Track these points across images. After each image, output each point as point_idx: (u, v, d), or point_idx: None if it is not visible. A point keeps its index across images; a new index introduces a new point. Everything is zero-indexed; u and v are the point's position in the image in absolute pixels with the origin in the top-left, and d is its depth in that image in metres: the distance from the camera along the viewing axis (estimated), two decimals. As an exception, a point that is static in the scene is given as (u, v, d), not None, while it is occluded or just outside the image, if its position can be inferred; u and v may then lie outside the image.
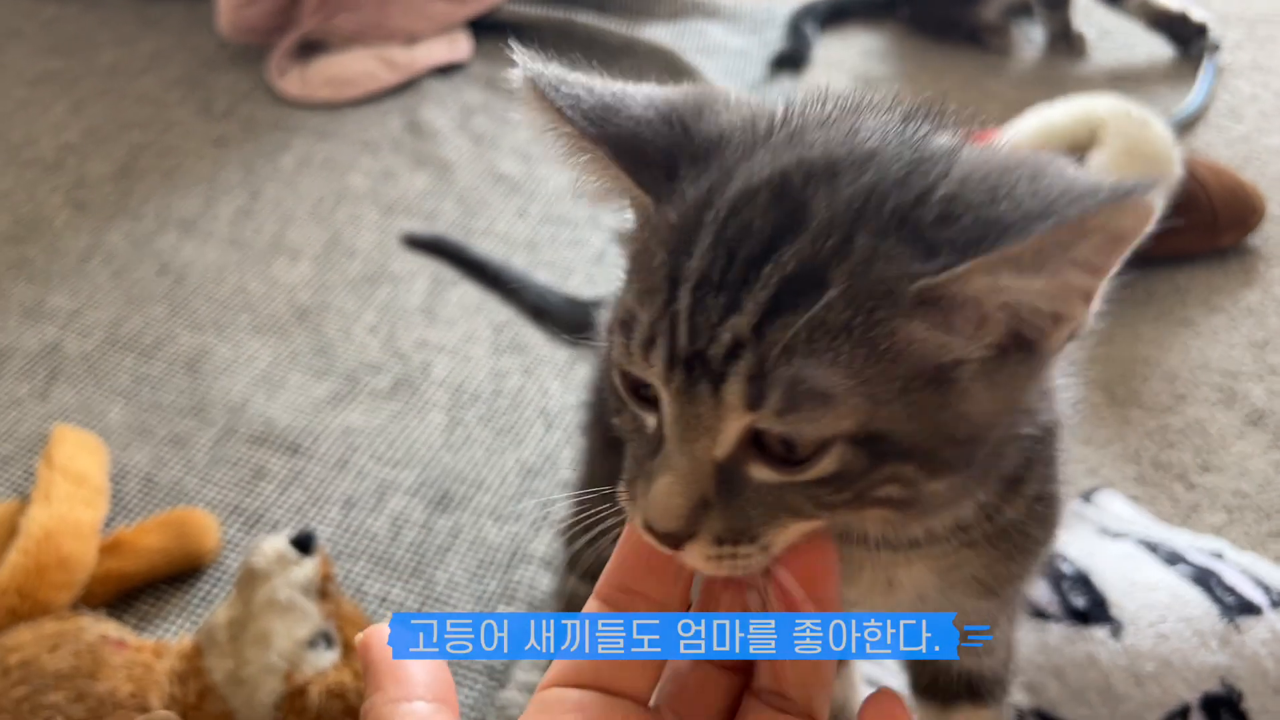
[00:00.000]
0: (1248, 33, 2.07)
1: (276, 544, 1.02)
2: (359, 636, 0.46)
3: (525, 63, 0.50)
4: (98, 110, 1.97)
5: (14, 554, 1.10)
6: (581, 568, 0.95)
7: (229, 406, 1.41)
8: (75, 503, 1.19)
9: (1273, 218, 1.57)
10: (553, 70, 0.50)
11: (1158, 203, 0.40)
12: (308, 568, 1.01)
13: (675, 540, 0.45)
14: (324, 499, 1.29)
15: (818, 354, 0.41)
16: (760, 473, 0.44)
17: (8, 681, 0.95)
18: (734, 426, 0.43)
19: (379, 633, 0.45)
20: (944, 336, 0.42)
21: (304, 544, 1.02)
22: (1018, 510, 0.55)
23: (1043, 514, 0.57)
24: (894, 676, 0.91)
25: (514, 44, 0.50)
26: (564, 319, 1.27)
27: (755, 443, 0.44)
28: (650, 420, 0.47)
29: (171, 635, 1.15)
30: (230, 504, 1.29)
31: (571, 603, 0.98)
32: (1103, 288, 0.43)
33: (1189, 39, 1.97)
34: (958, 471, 0.45)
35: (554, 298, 1.25)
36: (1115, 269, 0.42)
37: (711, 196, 0.45)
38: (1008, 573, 0.59)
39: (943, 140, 0.46)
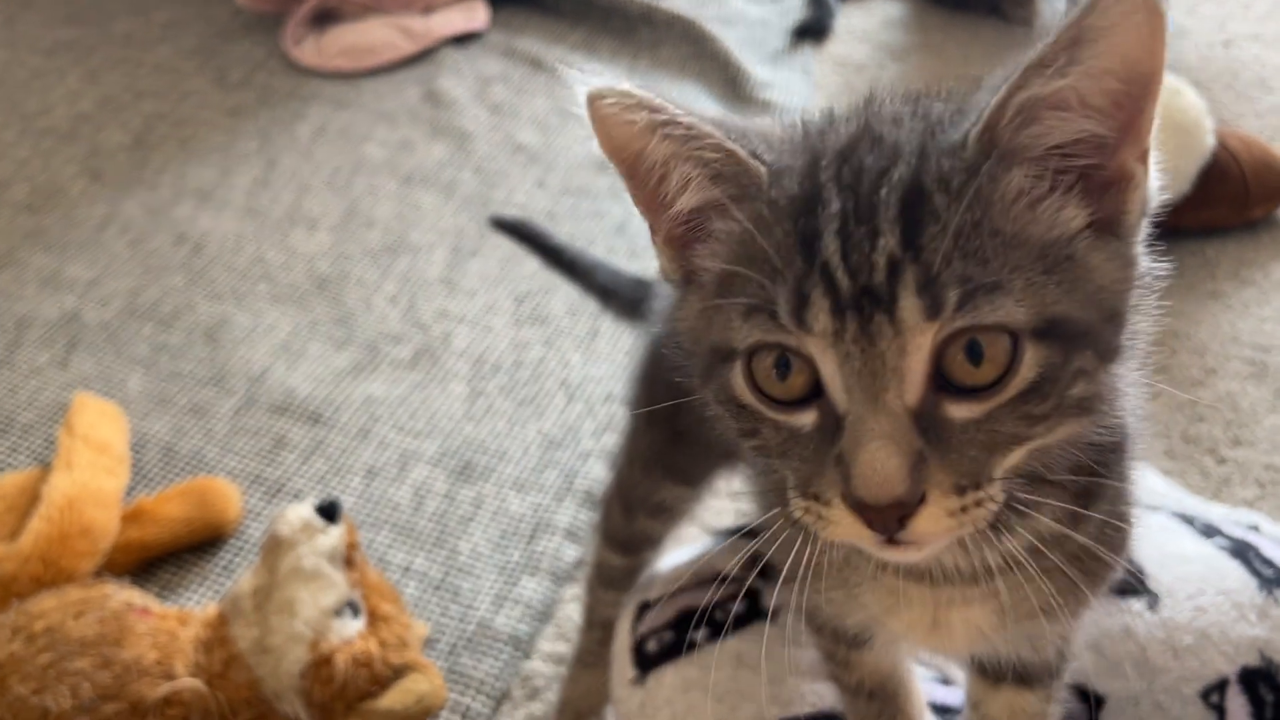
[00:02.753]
0: (1274, 3, 2.04)
1: (302, 512, 1.01)
2: None
3: (609, 87, 0.49)
4: (112, 80, 1.95)
5: (37, 521, 1.10)
6: (613, 538, 0.94)
7: (249, 376, 1.40)
8: (97, 471, 1.18)
9: (1304, 190, 1.54)
10: (635, 89, 0.49)
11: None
12: (333, 536, 1.00)
13: (903, 509, 0.43)
14: (346, 469, 1.28)
15: (965, 247, 0.43)
16: (960, 410, 0.44)
17: (34, 648, 0.95)
18: (919, 352, 0.43)
19: None
20: (1033, 190, 0.45)
21: (329, 512, 1.01)
22: (1089, 531, 0.54)
23: (1112, 537, 0.57)
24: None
25: (578, 70, 0.50)
26: (631, 300, 1.26)
27: (943, 385, 0.44)
28: (805, 419, 0.46)
29: (194, 604, 1.14)
30: (251, 473, 1.28)
31: (601, 573, 0.97)
32: (1152, 134, 0.46)
33: None
34: (1116, 357, 0.47)
35: (623, 279, 1.24)
36: (1151, 93, 0.45)
37: (815, 161, 0.47)
38: (1077, 599, 0.58)
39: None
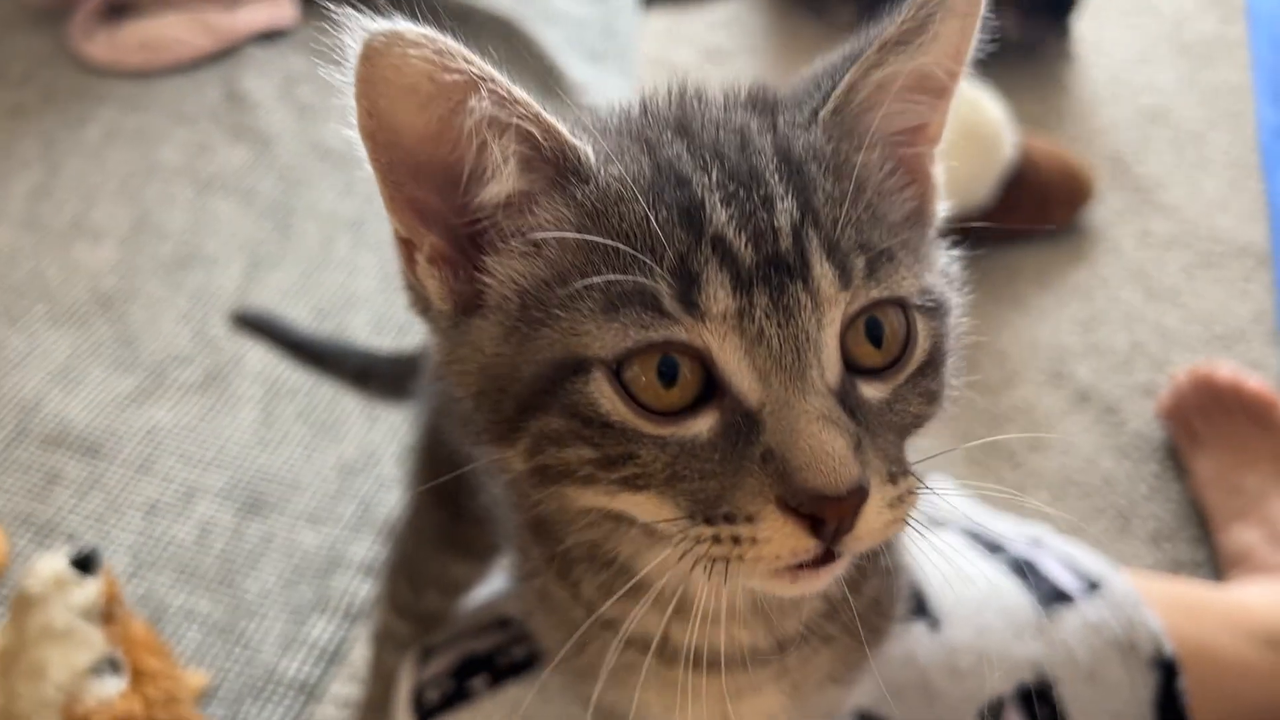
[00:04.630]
0: (1085, 8, 2.10)
1: (54, 564, 0.93)
2: None
3: (427, 35, 0.42)
4: (-124, 75, 1.79)
5: None
6: (402, 610, 0.90)
7: (20, 405, 1.29)
8: None
9: (1099, 196, 1.60)
10: (447, 41, 0.42)
11: None
12: (89, 589, 0.93)
13: (860, 499, 0.38)
14: (125, 505, 1.19)
15: (852, 216, 0.41)
16: (871, 390, 0.42)
17: None
18: (833, 326, 0.40)
19: None
20: (887, 169, 0.45)
21: (85, 563, 0.94)
22: (874, 587, 0.53)
23: (894, 587, 0.57)
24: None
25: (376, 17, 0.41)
26: (391, 376, 1.10)
27: (850, 367, 0.41)
28: (699, 426, 0.40)
29: (-53, 662, 1.05)
30: (20, 513, 1.19)
31: (389, 635, 0.93)
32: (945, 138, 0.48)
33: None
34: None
35: (379, 360, 1.12)
36: (953, 91, 0.47)
37: (653, 140, 0.44)
38: (861, 661, 0.57)
39: None
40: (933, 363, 0.43)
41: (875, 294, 0.41)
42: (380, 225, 1.56)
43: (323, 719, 1.03)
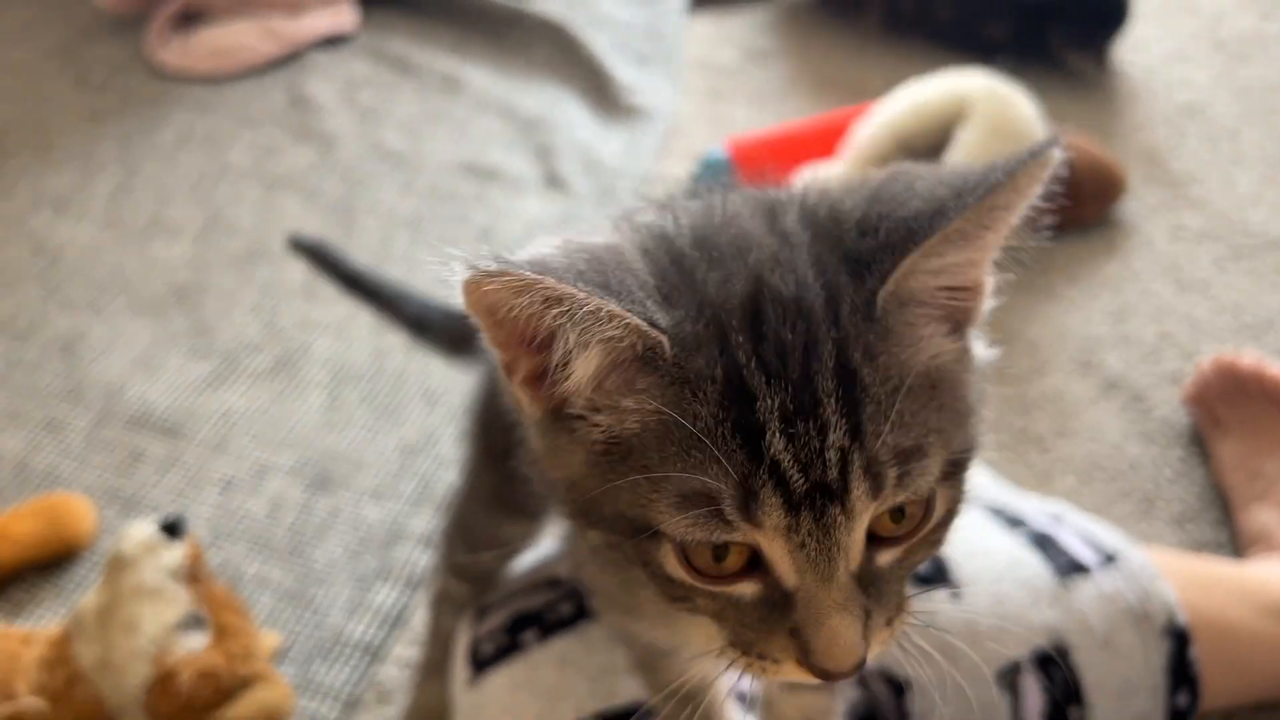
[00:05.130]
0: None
1: (144, 529, 1.02)
2: None
3: (506, 273, 0.43)
4: (-32, 83, 1.91)
5: (-123, 545, 1.09)
6: (458, 570, 0.97)
7: (106, 389, 1.39)
8: (-58, 491, 1.18)
9: (1133, 192, 1.64)
10: (525, 273, 0.44)
11: (1057, 155, 0.46)
12: (176, 552, 1.01)
13: (859, 668, 0.46)
14: (202, 481, 1.29)
15: (893, 421, 0.45)
16: (886, 557, 0.48)
17: None
18: (861, 528, 0.46)
19: None
20: (922, 322, 0.48)
21: (172, 529, 1.02)
22: None
23: None
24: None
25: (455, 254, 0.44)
26: (448, 332, 1.15)
27: (870, 539, 0.47)
28: (744, 589, 0.47)
29: (49, 622, 1.14)
30: (108, 488, 1.28)
31: (446, 597, 1.00)
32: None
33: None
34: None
35: (433, 311, 1.14)
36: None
37: (722, 329, 0.46)
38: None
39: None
40: (945, 522, 0.49)
41: (901, 498, 0.46)
42: (436, 224, 1.64)
43: (386, 678, 1.11)
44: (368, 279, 1.21)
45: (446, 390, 1.39)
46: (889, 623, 0.48)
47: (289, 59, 1.95)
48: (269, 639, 1.10)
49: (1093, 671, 0.94)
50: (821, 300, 0.46)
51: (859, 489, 0.45)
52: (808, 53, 2.03)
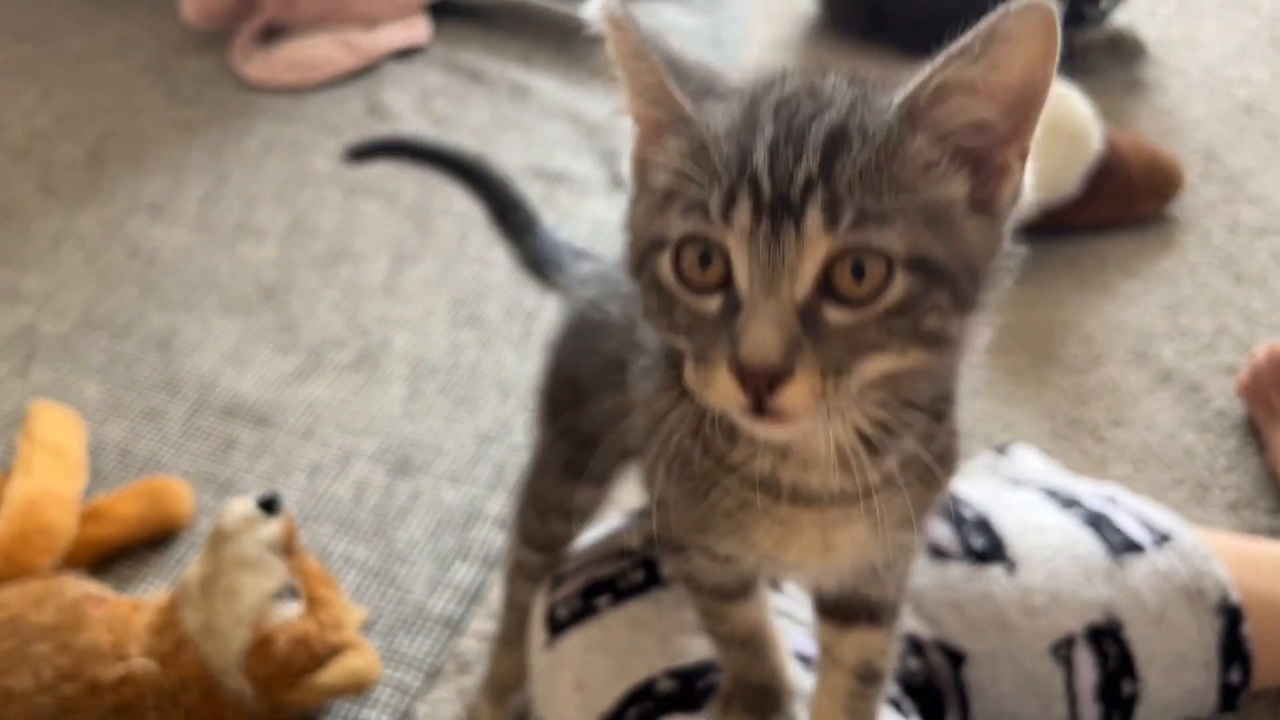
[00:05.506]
0: (1180, 7, 2.15)
1: (243, 506, 1.09)
2: None
3: (614, 12, 0.58)
4: (67, 96, 2.02)
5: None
6: (530, 540, 1.03)
7: (200, 382, 1.48)
8: (55, 474, 1.26)
9: (1190, 188, 1.66)
10: (618, 8, 0.58)
11: (1051, 7, 0.51)
12: (273, 527, 1.09)
13: (774, 376, 0.52)
14: (291, 467, 1.36)
15: (866, 185, 0.53)
16: (836, 314, 0.54)
17: (-3, 636, 1.03)
18: (813, 257, 0.53)
19: None
20: (931, 157, 0.54)
21: (269, 505, 1.10)
22: (941, 443, 0.65)
23: (953, 449, 0.68)
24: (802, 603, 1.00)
25: None
26: (538, 254, 1.15)
27: (827, 292, 0.53)
28: (711, 304, 0.56)
29: (149, 595, 1.22)
30: (203, 473, 1.36)
31: (520, 569, 1.06)
32: (1034, 138, 0.56)
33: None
34: (968, 309, 0.56)
35: (535, 222, 1.15)
36: (1038, 104, 0.54)
37: (756, 101, 0.57)
38: (926, 503, 0.69)
39: None
40: (899, 310, 0.54)
41: (851, 241, 0.52)
42: (507, 223, 1.71)
43: (465, 650, 1.17)
44: (460, 158, 1.22)
45: (518, 380, 1.46)
46: (823, 375, 0.53)
47: (366, 70, 2.04)
48: (356, 612, 1.17)
49: (1145, 646, 0.97)
50: (848, 99, 0.56)
51: (814, 213, 0.52)
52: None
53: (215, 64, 2.08)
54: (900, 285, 0.53)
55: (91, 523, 1.26)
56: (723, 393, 0.54)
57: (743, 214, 0.53)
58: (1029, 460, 1.24)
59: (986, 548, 1.01)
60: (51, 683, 1.02)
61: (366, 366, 1.49)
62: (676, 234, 0.56)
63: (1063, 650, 0.96)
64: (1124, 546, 1.01)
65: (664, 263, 0.57)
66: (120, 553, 1.27)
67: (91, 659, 1.04)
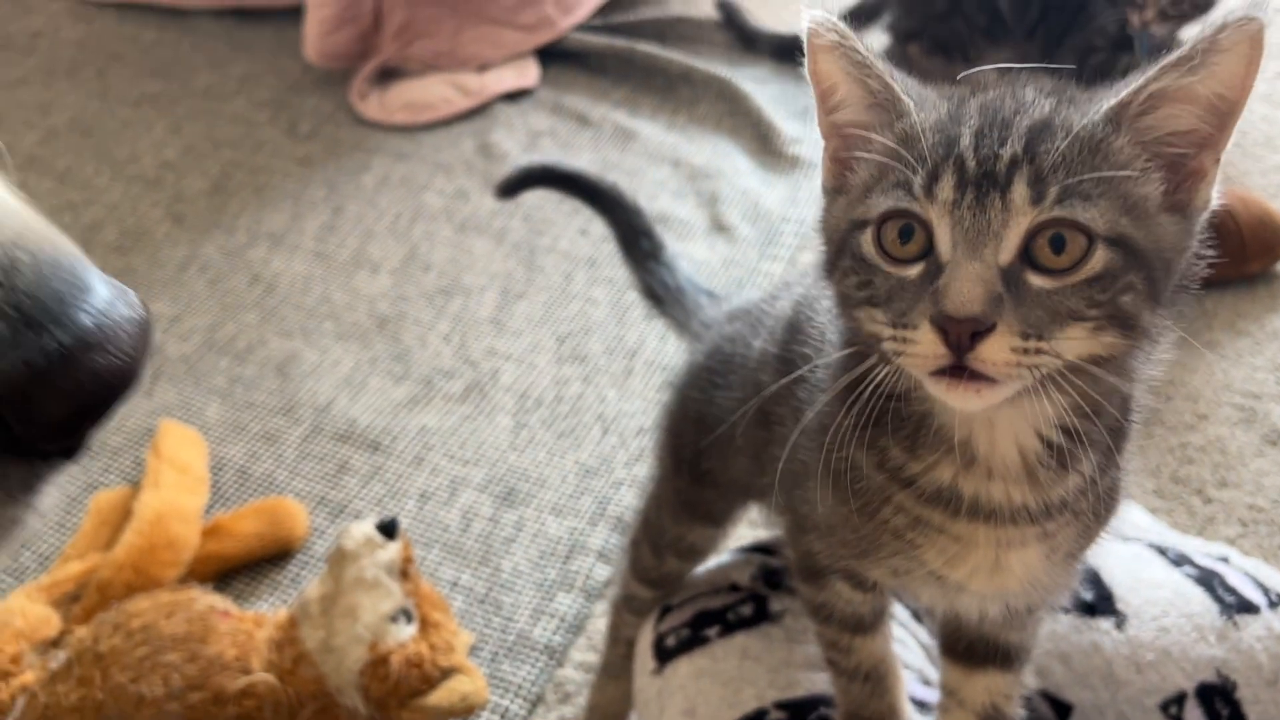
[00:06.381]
0: (1289, 64, 2.13)
1: (364, 528, 1.14)
2: None
3: (821, 15, 0.61)
4: (194, 130, 2.13)
5: (129, 534, 1.24)
6: (643, 575, 1.05)
7: (315, 406, 1.54)
8: (180, 490, 1.33)
9: (1301, 246, 1.63)
10: (838, 22, 0.62)
11: (1264, 20, 0.55)
12: (391, 550, 1.13)
13: (976, 326, 0.54)
14: (401, 492, 1.41)
15: (1071, 166, 0.56)
16: (1037, 280, 0.56)
17: (131, 642, 1.08)
18: (1018, 228, 0.55)
19: None
20: (1134, 155, 0.57)
21: (388, 529, 1.14)
22: (1112, 477, 0.67)
23: (1119, 485, 0.69)
24: (910, 648, 1.00)
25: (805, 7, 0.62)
26: (665, 291, 1.12)
27: (1029, 260, 0.56)
28: (912, 271, 0.58)
29: (265, 611, 1.27)
30: (317, 495, 1.42)
31: (629, 602, 1.08)
32: (1228, 143, 0.59)
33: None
34: (1159, 298, 0.58)
35: (670, 263, 1.11)
36: (1237, 112, 0.57)
37: (963, 101, 0.61)
38: (1089, 539, 0.70)
39: None
40: (1099, 281, 0.55)
41: (1057, 213, 0.55)
42: (609, 265, 1.75)
43: (566, 679, 1.20)
44: (604, 190, 1.17)
45: (619, 416, 1.49)
46: (1024, 336, 0.55)
47: (477, 111, 2.11)
48: (465, 636, 1.20)
49: (1258, 708, 0.95)
50: (1050, 102, 0.59)
51: (1019, 188, 0.55)
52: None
53: (334, 102, 2.17)
54: (1100, 258, 0.55)
55: (212, 538, 1.31)
56: (923, 349, 0.56)
57: (946, 188, 0.56)
58: (1135, 517, 1.23)
59: (1096, 600, 1.01)
60: (180, 691, 1.06)
61: (474, 397, 1.53)
62: (878, 211, 0.59)
63: (1173, 708, 0.95)
64: (1238, 606, 1.00)
65: (866, 239, 0.60)
66: (239, 569, 1.33)
67: (217, 669, 1.08)
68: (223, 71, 2.29)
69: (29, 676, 1.09)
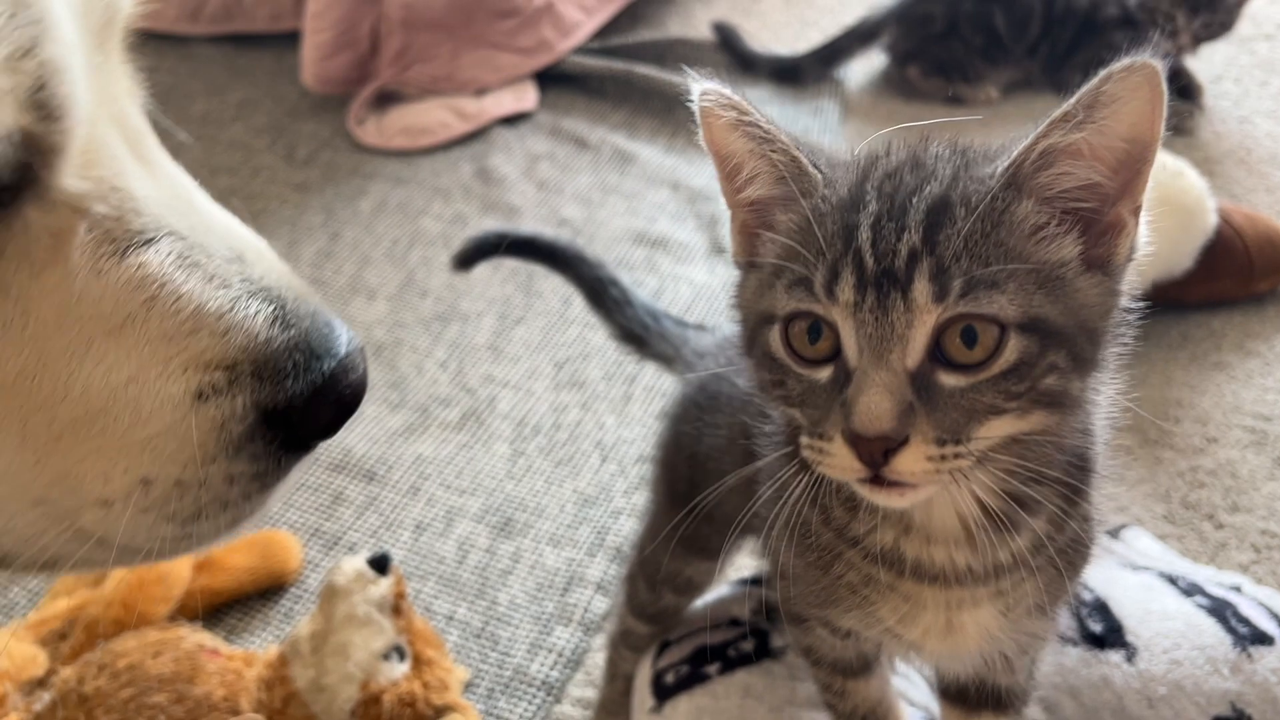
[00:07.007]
0: (1294, 80, 2.11)
1: (356, 564, 1.11)
2: None
3: (714, 89, 0.59)
4: (191, 156, 2.09)
5: (118, 570, 1.21)
6: (640, 611, 1.03)
7: (310, 436, 1.51)
8: (172, 523, 1.30)
9: (1310, 264, 1.61)
10: (732, 94, 0.60)
11: (1157, 65, 0.52)
12: (383, 586, 1.10)
13: (888, 444, 0.53)
14: (397, 523, 1.39)
15: (973, 253, 0.54)
16: (949, 379, 0.54)
17: (117, 683, 1.06)
18: (923, 327, 0.53)
19: None
20: (1039, 221, 0.55)
21: (380, 564, 1.11)
22: (1074, 529, 0.64)
23: (1087, 536, 0.67)
24: (916, 684, 0.98)
25: (689, 72, 0.60)
26: (643, 329, 1.08)
27: (939, 358, 0.54)
28: (822, 374, 0.57)
29: (257, 646, 1.25)
30: (311, 527, 1.39)
31: (626, 638, 1.06)
32: (1146, 195, 0.56)
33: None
34: (1088, 368, 0.57)
35: (644, 307, 1.08)
36: (1148, 159, 0.55)
37: (865, 177, 0.59)
38: (1060, 591, 0.68)
39: None
40: (1015, 372, 0.53)
41: (963, 309, 0.53)
42: (610, 287, 1.73)
43: (563, 715, 1.17)
44: (561, 248, 1.14)
45: (618, 443, 1.47)
46: (939, 443, 0.53)
47: (475, 135, 2.10)
48: (460, 673, 1.18)
49: (1274, 744, 0.93)
50: (950, 170, 0.57)
51: (921, 284, 0.53)
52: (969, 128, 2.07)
53: (331, 127, 2.16)
54: (1014, 348, 0.53)
55: (203, 573, 1.29)
56: (839, 463, 0.55)
57: (846, 289, 0.54)
58: (1144, 544, 1.20)
59: (1105, 632, 0.98)
60: (167, 732, 1.04)
61: (471, 425, 1.51)
62: (784, 310, 0.57)
63: (1188, 744, 0.93)
64: (1252, 638, 0.97)
65: (774, 337, 0.58)
66: (230, 603, 1.30)
67: (205, 710, 1.06)
68: (220, 97, 2.29)
69: (13, 718, 1.07)
